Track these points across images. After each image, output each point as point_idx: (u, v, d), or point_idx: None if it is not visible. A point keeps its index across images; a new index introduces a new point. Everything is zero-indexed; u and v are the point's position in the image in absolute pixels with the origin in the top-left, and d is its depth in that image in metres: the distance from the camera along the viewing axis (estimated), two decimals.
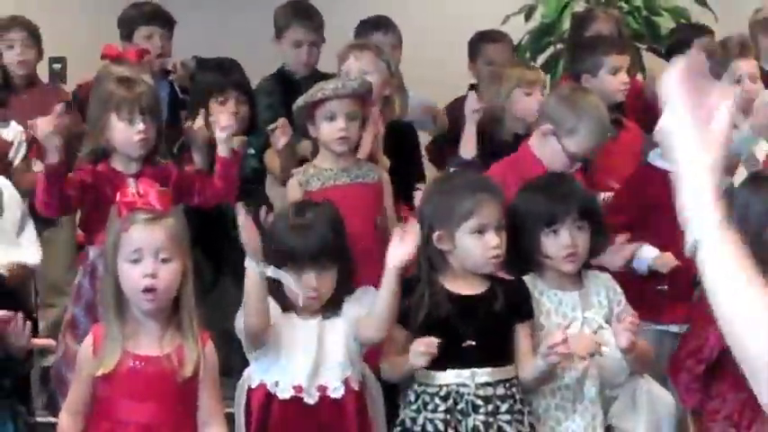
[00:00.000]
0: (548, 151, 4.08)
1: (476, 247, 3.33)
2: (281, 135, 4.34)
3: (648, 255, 4.14)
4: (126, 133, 3.90)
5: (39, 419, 4.02)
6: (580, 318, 3.49)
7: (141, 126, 3.89)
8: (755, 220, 3.38)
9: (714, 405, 3.45)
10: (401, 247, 3.16)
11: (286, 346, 3.29)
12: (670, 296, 4.18)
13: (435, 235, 3.35)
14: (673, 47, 5.69)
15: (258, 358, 3.32)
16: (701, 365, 3.41)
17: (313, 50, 5.06)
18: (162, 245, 3.13)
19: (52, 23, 5.54)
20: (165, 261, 3.13)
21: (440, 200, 3.40)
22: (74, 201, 3.94)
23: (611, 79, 4.79)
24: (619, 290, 3.59)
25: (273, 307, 3.28)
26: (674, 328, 4.09)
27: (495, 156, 4.28)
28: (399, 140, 4.54)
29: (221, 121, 4.11)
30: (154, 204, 3.18)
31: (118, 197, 3.23)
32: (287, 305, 3.32)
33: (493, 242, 3.32)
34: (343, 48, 4.61)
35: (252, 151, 4.59)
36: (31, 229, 4.10)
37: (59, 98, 5.32)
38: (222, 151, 4.09)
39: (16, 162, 4.72)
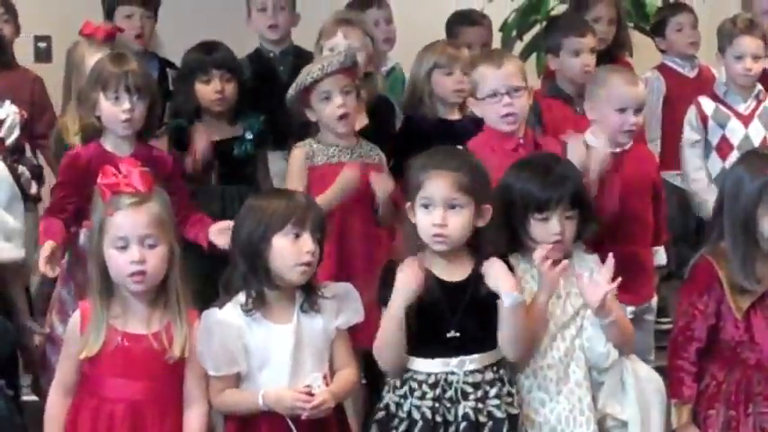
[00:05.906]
0: None
1: (422, 222, 3.26)
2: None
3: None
4: (112, 111, 3.86)
5: (25, 399, 4.00)
6: (563, 296, 3.45)
7: (127, 105, 3.85)
8: (746, 200, 3.38)
9: (709, 390, 3.43)
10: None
11: (259, 360, 3.20)
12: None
13: (407, 206, 3.30)
14: (656, 26, 5.79)
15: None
16: (692, 356, 3.42)
17: (279, 13, 4.92)
18: (147, 231, 3.12)
19: (37, 1, 5.48)
20: (151, 247, 3.13)
21: (411, 171, 3.33)
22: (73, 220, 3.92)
23: (572, 60, 4.83)
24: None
25: (245, 322, 3.20)
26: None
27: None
28: (381, 116, 4.49)
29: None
30: (136, 186, 3.15)
31: (99, 178, 3.19)
32: (264, 308, 3.22)
33: (434, 219, 3.22)
34: (329, 22, 4.53)
35: (249, 136, 4.45)
36: (18, 214, 3.95)
37: (32, 80, 5.23)
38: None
39: (7, 143, 4.54)
